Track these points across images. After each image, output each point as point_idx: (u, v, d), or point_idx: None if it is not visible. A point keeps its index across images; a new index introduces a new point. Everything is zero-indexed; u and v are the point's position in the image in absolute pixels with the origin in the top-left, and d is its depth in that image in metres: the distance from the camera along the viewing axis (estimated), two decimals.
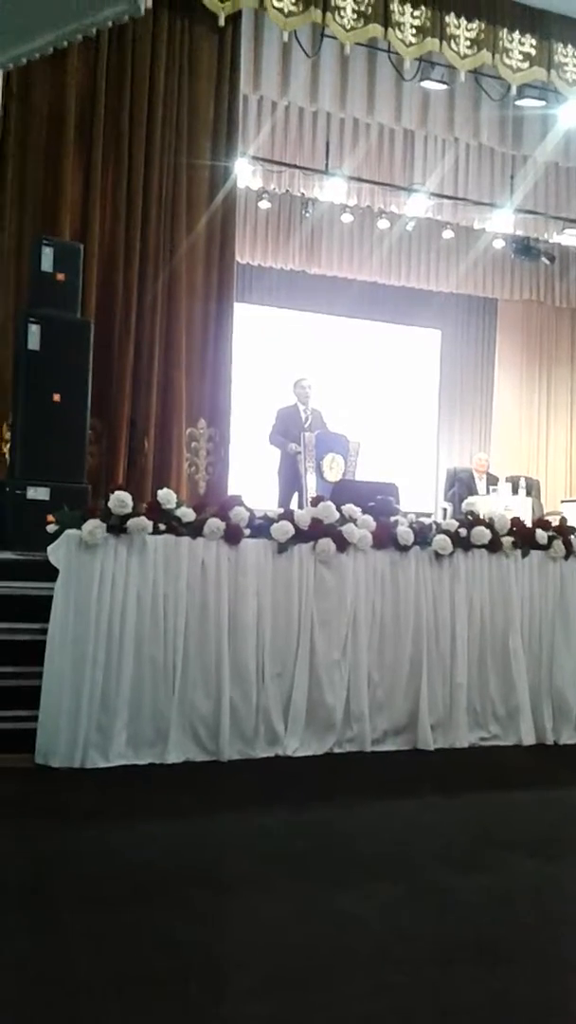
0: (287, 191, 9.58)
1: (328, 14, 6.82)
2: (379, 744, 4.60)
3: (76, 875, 2.96)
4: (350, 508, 4.72)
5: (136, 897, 2.81)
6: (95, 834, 3.32)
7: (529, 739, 4.88)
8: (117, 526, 4.18)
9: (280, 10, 6.66)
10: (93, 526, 4.14)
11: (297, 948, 2.55)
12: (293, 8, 6.70)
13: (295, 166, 8.95)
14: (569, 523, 5.42)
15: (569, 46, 7.70)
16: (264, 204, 10.14)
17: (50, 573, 4.15)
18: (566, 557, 5.09)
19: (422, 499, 10.88)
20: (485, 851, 3.35)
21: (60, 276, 5.30)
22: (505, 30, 7.46)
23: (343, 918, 2.74)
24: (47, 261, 5.26)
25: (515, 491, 9.18)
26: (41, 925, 2.61)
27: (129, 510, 4.20)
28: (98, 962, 2.41)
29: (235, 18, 6.77)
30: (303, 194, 9.67)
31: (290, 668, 4.47)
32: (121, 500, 4.19)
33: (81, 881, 2.92)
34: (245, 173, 8.65)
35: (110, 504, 4.19)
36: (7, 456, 5.63)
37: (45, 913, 2.68)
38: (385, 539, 4.70)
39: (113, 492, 4.24)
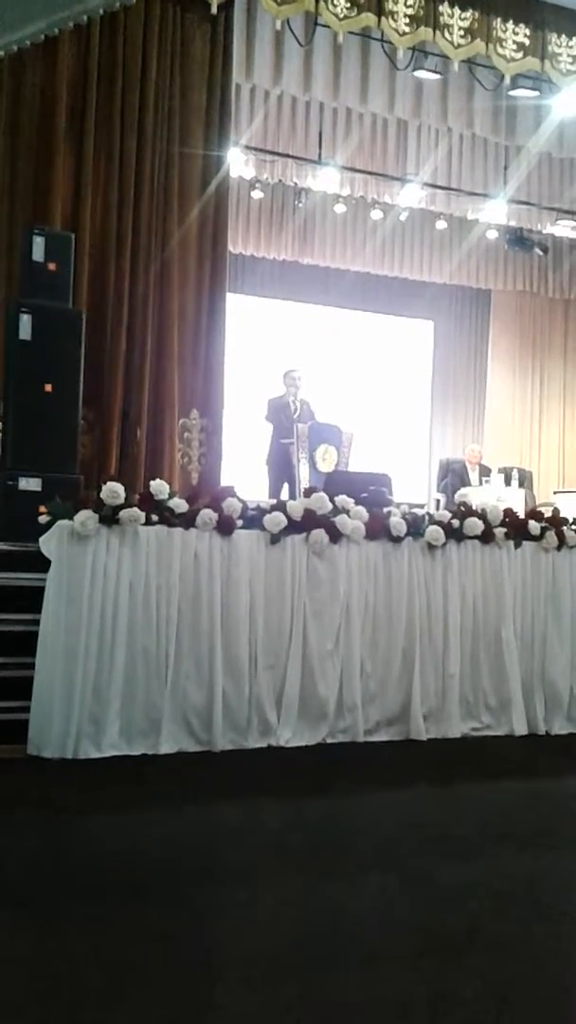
0: (280, 181, 9.54)
1: (321, 3, 6.77)
2: (372, 734, 4.61)
3: (68, 867, 2.96)
4: (343, 499, 4.72)
5: (129, 888, 2.81)
6: (87, 825, 3.33)
7: (521, 729, 4.89)
8: (109, 517, 4.18)
9: None
10: (85, 517, 4.13)
11: (291, 939, 2.55)
12: None
13: (288, 156, 8.91)
14: (562, 514, 5.43)
15: (563, 36, 7.67)
16: (257, 194, 10.09)
17: (42, 564, 4.15)
18: (558, 548, 5.10)
19: (415, 490, 10.88)
20: (478, 842, 3.36)
21: (51, 266, 5.27)
22: (499, 19, 7.42)
23: (336, 909, 2.74)
24: (38, 251, 5.22)
25: (508, 482, 9.20)
26: (34, 917, 2.61)
27: (121, 501, 4.19)
28: (91, 954, 2.40)
29: (227, 6, 6.73)
30: (296, 184, 9.63)
31: (283, 659, 4.48)
32: (113, 491, 4.18)
33: (73, 873, 2.91)
34: (238, 162, 8.61)
35: (102, 495, 4.18)
36: None
37: (38, 905, 2.68)
38: (378, 530, 4.71)
39: (105, 483, 4.23)
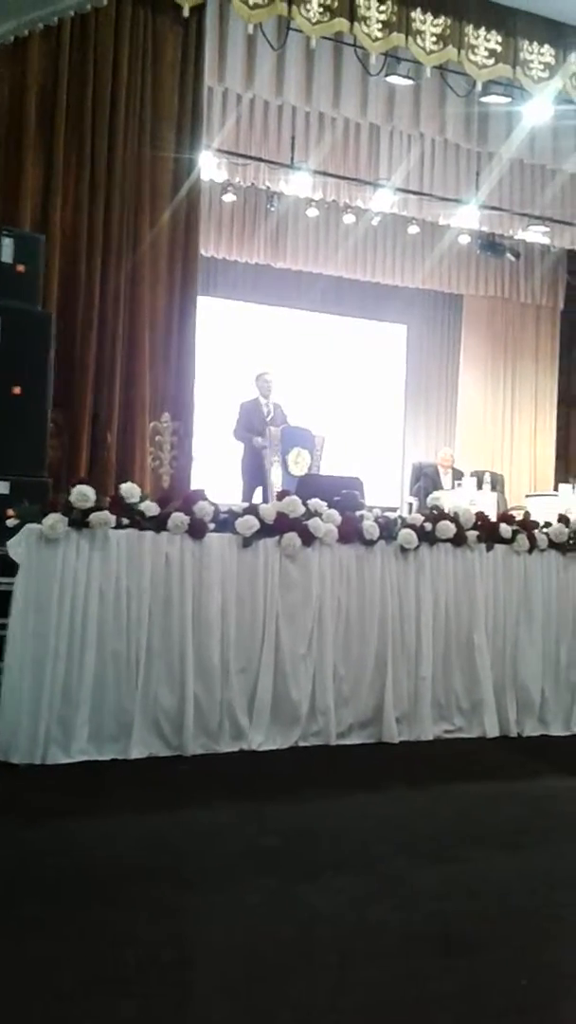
0: (252, 184, 9.53)
1: (294, 7, 6.77)
2: (344, 737, 4.60)
3: (38, 873, 2.92)
4: (315, 502, 4.71)
5: (100, 895, 2.78)
6: (57, 831, 3.29)
7: (493, 731, 4.91)
8: (79, 520, 4.14)
9: (245, 2, 6.61)
10: (54, 520, 4.09)
11: (264, 944, 2.54)
12: (258, 1, 6.65)
13: (260, 159, 8.91)
14: (533, 517, 5.45)
15: (534, 43, 7.72)
16: (229, 197, 10.09)
17: (10, 568, 4.10)
18: (530, 551, 5.12)
19: (388, 493, 10.91)
20: (451, 843, 3.36)
21: (20, 267, 5.22)
22: (471, 26, 7.46)
23: (310, 912, 2.73)
24: (7, 252, 5.17)
25: (480, 486, 9.24)
26: (4, 923, 2.57)
27: (91, 504, 4.16)
28: (62, 961, 2.37)
29: (199, 9, 6.71)
30: (268, 187, 9.63)
31: (255, 662, 4.46)
32: (83, 494, 4.15)
33: (43, 879, 2.88)
34: (210, 165, 8.59)
35: (72, 498, 4.14)
36: None
37: (7, 911, 2.64)
38: (351, 533, 4.70)
39: (75, 486, 4.19)
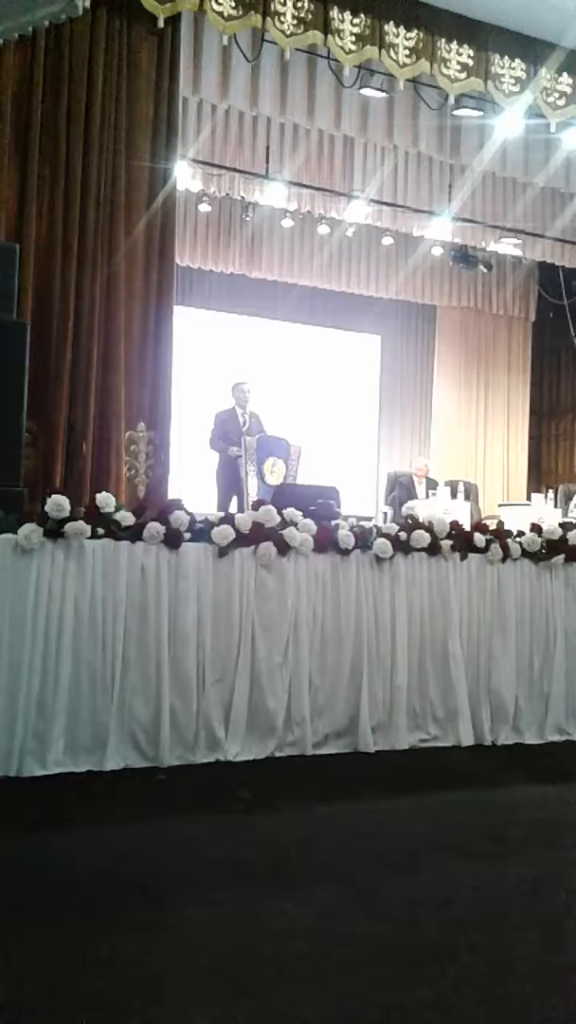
0: (227, 194, 9.57)
1: (268, 19, 6.82)
2: (320, 747, 4.60)
3: (11, 886, 2.90)
4: (291, 512, 4.72)
5: (74, 908, 2.76)
6: (32, 843, 3.26)
7: (468, 740, 4.93)
8: (54, 530, 4.12)
9: (220, 14, 6.65)
10: (29, 530, 4.07)
11: (239, 955, 2.53)
12: (233, 12, 6.70)
13: (235, 170, 8.94)
14: (506, 527, 5.50)
15: (506, 57, 7.82)
16: (204, 207, 10.11)
17: None
18: (503, 560, 5.16)
19: (363, 503, 10.96)
20: (425, 853, 3.37)
21: None
22: (443, 40, 7.54)
23: (284, 923, 2.73)
24: None
25: (454, 495, 9.31)
26: None
27: (67, 514, 4.14)
28: (34, 976, 2.35)
29: (174, 20, 6.73)
30: (243, 198, 9.67)
31: (231, 673, 4.45)
32: (58, 504, 4.13)
33: (16, 892, 2.86)
34: (185, 175, 8.62)
35: (47, 508, 4.12)
36: None
37: None
38: (326, 543, 4.71)
39: (50, 496, 4.17)
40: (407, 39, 7.43)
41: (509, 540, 5.21)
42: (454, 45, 7.62)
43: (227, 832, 3.47)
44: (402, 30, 7.41)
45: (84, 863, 3.11)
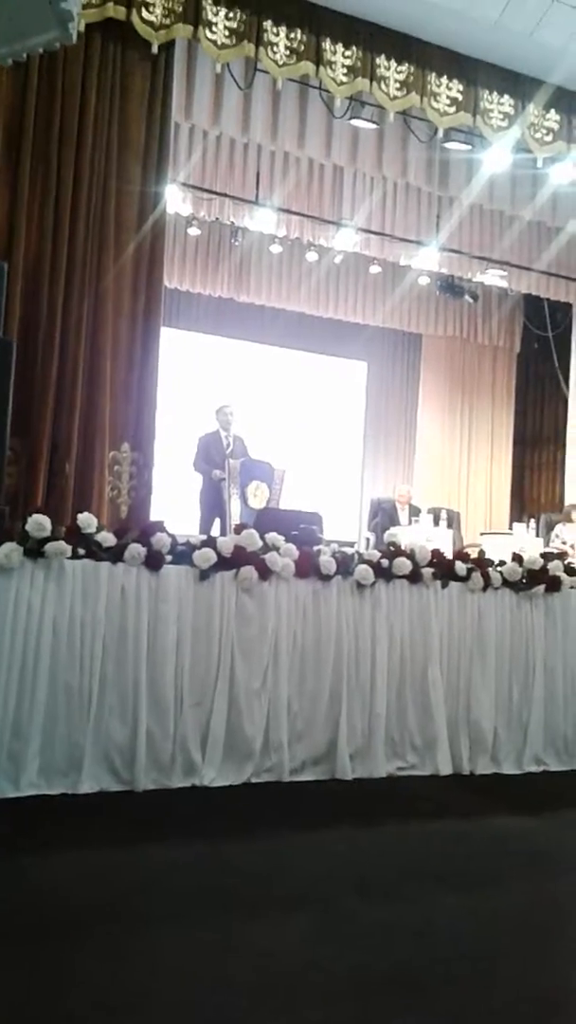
0: (217, 219, 9.63)
1: (261, 49, 6.91)
2: (297, 774, 4.57)
3: None
4: (273, 536, 4.71)
5: (46, 932, 2.72)
6: (3, 866, 3.21)
7: (446, 769, 4.91)
8: (34, 550, 4.09)
9: (213, 42, 6.73)
10: (9, 549, 4.04)
11: (212, 983, 2.50)
12: (227, 41, 6.78)
13: (225, 195, 9.01)
14: (488, 556, 5.51)
15: (494, 93, 7.94)
16: (194, 231, 10.17)
17: None
18: (484, 589, 5.17)
19: (346, 528, 10.97)
20: (402, 882, 3.35)
21: None
22: (434, 74, 7.65)
23: (259, 951, 2.69)
24: None
25: (436, 522, 9.32)
26: None
27: (47, 533, 4.12)
28: (6, 1002, 2.31)
29: (168, 47, 6.80)
30: (233, 223, 9.73)
31: (209, 696, 4.42)
32: (39, 523, 4.11)
33: None
34: (175, 199, 8.67)
35: (28, 527, 4.10)
36: None
37: None
38: (308, 568, 4.71)
39: (31, 515, 4.15)
40: (398, 72, 7.53)
41: (490, 569, 5.23)
42: (444, 80, 7.73)
43: (203, 858, 3.44)
44: (393, 63, 7.51)
45: (57, 887, 3.06)
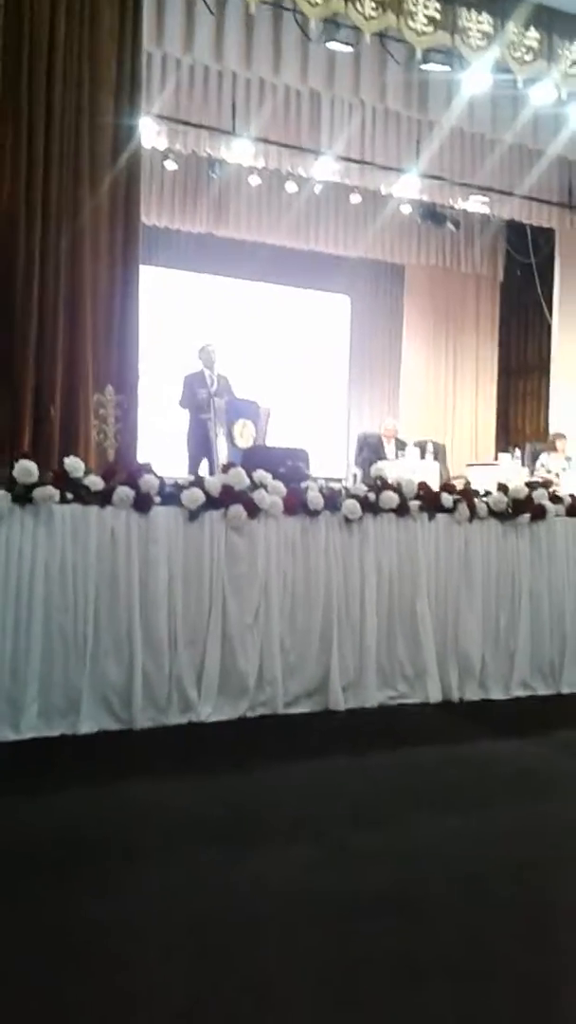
0: (193, 152, 9.41)
1: None
2: (291, 707, 4.68)
3: None
4: (261, 474, 4.74)
5: (46, 871, 2.81)
6: (4, 808, 3.30)
7: (436, 696, 5.03)
8: (23, 496, 4.11)
9: None
10: None
11: (208, 913, 2.59)
12: None
13: (201, 126, 8.79)
14: (474, 487, 5.56)
15: (472, 11, 7.70)
16: (170, 165, 9.95)
17: None
18: (470, 520, 5.23)
19: (334, 464, 10.98)
20: (394, 808, 3.46)
21: None
22: None
23: (254, 881, 2.79)
24: None
25: (423, 455, 9.35)
26: None
27: (35, 479, 4.13)
28: (5, 941, 2.40)
29: None
30: (210, 155, 9.52)
31: (202, 635, 4.50)
32: (26, 469, 4.12)
33: None
34: (150, 132, 8.46)
35: (15, 473, 4.11)
36: None
37: None
38: (295, 505, 4.75)
39: (18, 461, 4.15)
40: None
41: (476, 500, 5.28)
42: None
43: (199, 792, 3.54)
44: None
45: (56, 826, 3.15)
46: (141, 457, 6.41)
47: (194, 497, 4.48)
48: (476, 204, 10.76)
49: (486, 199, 10.61)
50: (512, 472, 8.50)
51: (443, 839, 3.18)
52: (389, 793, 3.62)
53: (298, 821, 3.28)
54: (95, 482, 4.32)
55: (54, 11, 6.32)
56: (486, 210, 10.98)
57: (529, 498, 5.41)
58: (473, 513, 5.23)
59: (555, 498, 5.56)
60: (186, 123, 8.71)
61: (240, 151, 9.25)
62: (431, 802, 3.53)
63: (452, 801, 3.56)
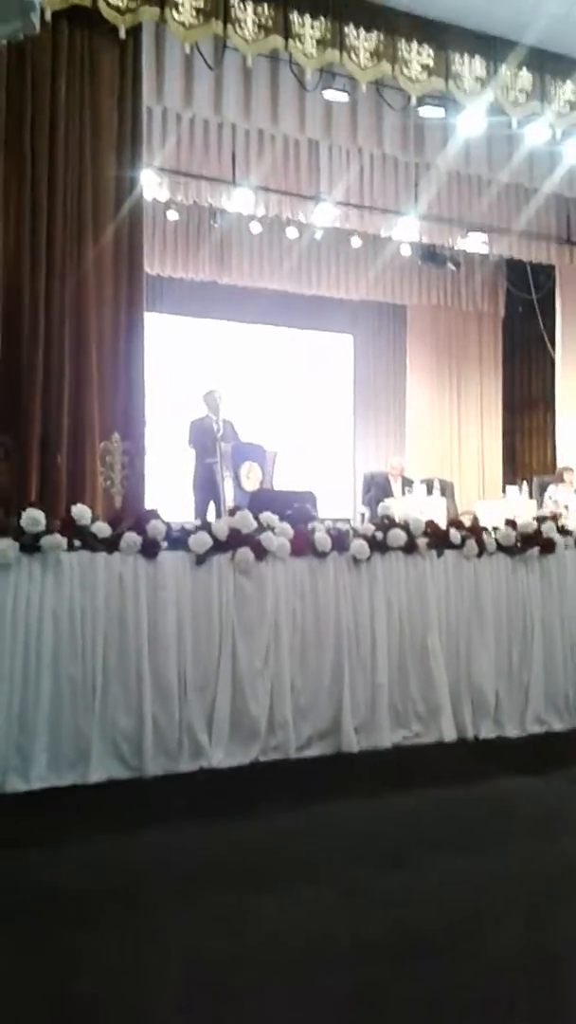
0: (195, 202, 9.56)
1: (229, 27, 6.84)
2: (304, 750, 4.63)
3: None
4: (268, 516, 4.75)
5: (61, 919, 2.78)
6: (16, 859, 3.27)
7: (450, 735, 4.98)
8: (30, 544, 4.12)
9: (181, 23, 6.66)
10: (5, 545, 4.07)
11: (224, 958, 2.55)
12: (194, 21, 6.71)
13: (202, 177, 8.95)
14: (483, 522, 5.55)
15: (465, 56, 7.87)
16: (172, 215, 10.12)
17: None
18: (479, 555, 5.21)
19: (341, 504, 11.00)
20: (409, 850, 3.41)
21: None
22: (403, 41, 7.58)
23: (269, 925, 2.75)
24: None
25: (430, 492, 9.37)
26: None
27: (42, 528, 4.14)
28: (21, 987, 2.37)
29: (136, 30, 6.73)
30: (211, 204, 9.67)
31: (212, 679, 4.47)
32: (34, 518, 4.13)
33: (1, 908, 2.86)
34: (152, 184, 8.61)
35: (22, 522, 4.13)
36: None
37: None
38: (303, 546, 4.74)
39: (25, 509, 4.17)
40: (367, 41, 7.47)
41: (484, 535, 5.27)
42: (414, 45, 7.66)
43: (212, 838, 3.50)
44: (362, 32, 7.45)
45: (70, 875, 3.12)
46: (148, 502, 6.45)
47: (201, 541, 4.49)
48: (475, 243, 10.88)
49: (485, 238, 10.73)
50: (520, 506, 8.49)
51: (461, 880, 3.13)
52: (405, 835, 3.57)
53: (313, 865, 3.24)
54: (102, 529, 4.34)
55: (55, 67, 6.48)
56: (485, 248, 11.10)
57: (538, 532, 5.40)
58: (482, 548, 5.22)
59: (563, 531, 5.55)
60: (187, 174, 8.87)
61: (241, 200, 9.40)
62: (448, 843, 3.48)
63: (469, 842, 3.50)
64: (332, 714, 4.74)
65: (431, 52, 7.71)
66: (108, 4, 6.44)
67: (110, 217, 6.72)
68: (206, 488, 8.18)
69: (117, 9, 6.48)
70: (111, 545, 4.31)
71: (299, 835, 3.56)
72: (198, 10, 6.72)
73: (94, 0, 6.39)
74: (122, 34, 6.56)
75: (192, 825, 3.65)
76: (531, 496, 9.62)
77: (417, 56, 7.68)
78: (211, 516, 7.74)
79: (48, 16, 6.03)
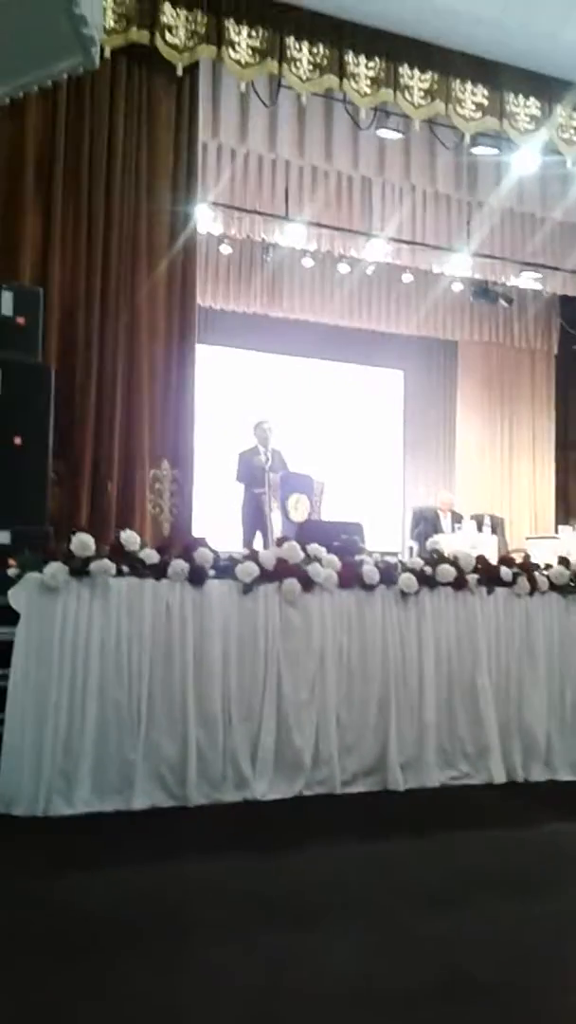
0: (248, 236, 9.69)
1: (284, 65, 6.97)
2: (348, 786, 4.54)
3: (38, 926, 2.87)
4: (315, 548, 4.71)
5: (101, 948, 2.73)
6: (58, 884, 3.23)
7: (500, 777, 4.85)
8: (79, 569, 4.14)
9: (237, 61, 6.80)
10: (55, 569, 4.09)
11: (265, 994, 2.48)
12: (250, 59, 6.85)
13: (255, 212, 9.07)
14: (534, 560, 5.45)
15: (520, 96, 7.92)
16: (225, 249, 10.25)
17: (11, 617, 4.09)
18: (531, 594, 5.11)
19: (388, 538, 10.92)
20: (456, 892, 3.30)
21: (20, 320, 5.30)
22: (457, 81, 7.65)
23: (313, 964, 2.67)
24: (7, 305, 5.26)
25: (480, 528, 9.25)
26: (5, 979, 2.52)
27: (92, 552, 4.16)
28: (61, 1018, 2.32)
29: (193, 68, 6.89)
30: (264, 239, 9.79)
31: (257, 710, 4.42)
32: (83, 543, 4.15)
33: (43, 933, 2.83)
34: (206, 219, 8.75)
35: (72, 547, 4.15)
36: None
37: (7, 964, 2.59)
38: (351, 578, 4.69)
39: (75, 534, 4.20)
40: (421, 80, 7.55)
41: (536, 573, 5.17)
42: (468, 85, 7.72)
43: (256, 872, 3.43)
44: (416, 72, 7.53)
45: (111, 903, 3.07)
46: (196, 531, 6.47)
47: (248, 570, 4.46)
48: (528, 280, 10.84)
49: (538, 275, 10.69)
50: (573, 545, 8.33)
51: (510, 923, 3.01)
52: (452, 877, 3.46)
53: (357, 903, 3.15)
54: (150, 555, 4.34)
55: (113, 104, 6.65)
56: (538, 286, 11.06)
57: None
58: (534, 586, 5.11)
59: None
60: (241, 209, 9.00)
61: (293, 235, 9.50)
62: (496, 886, 3.37)
63: (518, 886, 3.38)
64: (378, 751, 4.65)
65: (486, 92, 7.77)
66: (166, 43, 6.60)
67: (164, 250, 6.84)
68: (254, 518, 8.18)
69: (175, 48, 6.64)
70: (159, 572, 4.31)
71: (343, 873, 3.47)
72: (254, 49, 6.86)
73: (152, 38, 6.56)
74: (179, 72, 6.73)
75: (235, 857, 3.58)
76: None
77: (471, 95, 7.74)
78: (258, 546, 7.72)
79: (107, 53, 6.18)
